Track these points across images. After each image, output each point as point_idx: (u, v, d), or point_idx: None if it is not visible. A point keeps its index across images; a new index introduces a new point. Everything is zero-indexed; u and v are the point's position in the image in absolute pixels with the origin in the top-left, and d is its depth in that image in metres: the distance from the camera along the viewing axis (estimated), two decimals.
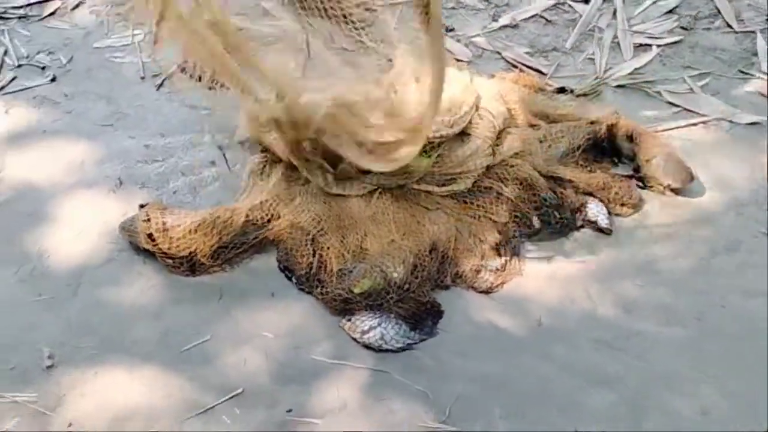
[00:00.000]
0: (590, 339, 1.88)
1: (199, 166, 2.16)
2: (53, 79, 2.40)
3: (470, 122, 2.14)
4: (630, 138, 2.11)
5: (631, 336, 1.89)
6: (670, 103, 2.32)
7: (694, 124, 2.26)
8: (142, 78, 2.41)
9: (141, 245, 1.95)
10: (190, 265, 1.95)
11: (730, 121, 2.28)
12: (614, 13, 2.51)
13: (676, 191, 2.12)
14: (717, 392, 1.76)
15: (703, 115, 2.28)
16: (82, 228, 2.04)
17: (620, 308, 1.94)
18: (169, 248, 1.94)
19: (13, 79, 2.39)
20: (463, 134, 2.13)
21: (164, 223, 1.94)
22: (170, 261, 1.95)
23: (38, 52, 2.49)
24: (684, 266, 2.01)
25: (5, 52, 2.44)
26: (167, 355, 1.84)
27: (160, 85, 2.37)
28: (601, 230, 2.06)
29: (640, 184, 2.14)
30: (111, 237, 2.01)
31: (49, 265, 1.97)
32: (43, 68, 2.44)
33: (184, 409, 1.75)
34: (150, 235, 1.94)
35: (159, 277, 1.97)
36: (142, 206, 2.01)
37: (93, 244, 2.02)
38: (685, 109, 2.31)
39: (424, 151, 2.08)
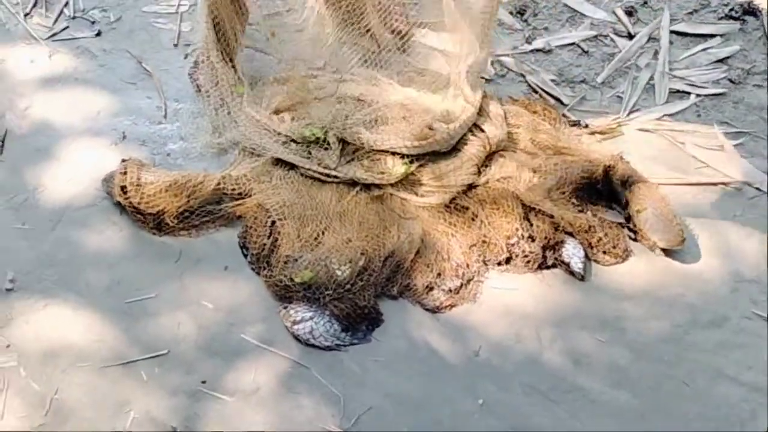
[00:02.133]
0: (525, 383, 1.77)
1: (198, 134, 2.23)
2: (98, 34, 2.54)
3: (462, 139, 2.09)
4: (625, 184, 1.96)
5: (571, 390, 1.76)
6: (694, 157, 2.14)
7: (713, 184, 2.07)
8: (175, 45, 2.50)
9: (114, 198, 2.05)
10: (156, 223, 2.01)
11: (757, 188, 2.06)
12: (657, 53, 2.35)
13: (665, 251, 1.95)
14: None
15: (727, 176, 2.08)
16: (77, 171, 2.16)
17: (568, 359, 1.81)
18: (139, 203, 2.01)
19: (65, 28, 2.55)
20: (452, 149, 2.08)
21: (138, 179, 2.01)
22: (139, 216, 2.02)
23: (93, 8, 2.64)
24: (655, 331, 1.85)
25: (66, 3, 2.61)
26: (111, 304, 1.91)
27: (188, 54, 2.46)
28: (572, 273, 1.92)
29: (631, 235, 1.99)
30: (99, 185, 2.10)
31: (39, 199, 2.10)
32: (93, 23, 2.59)
33: (109, 357, 1.82)
34: (123, 188, 2.02)
35: (129, 229, 2.05)
36: (124, 160, 2.11)
37: (82, 188, 2.12)
38: (709, 166, 2.12)
39: (404, 161, 2.05)
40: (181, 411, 1.74)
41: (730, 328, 1.84)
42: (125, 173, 2.02)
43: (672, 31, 2.41)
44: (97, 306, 1.91)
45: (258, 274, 1.96)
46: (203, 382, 1.78)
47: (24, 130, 2.28)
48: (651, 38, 2.40)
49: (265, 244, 1.95)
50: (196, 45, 2.43)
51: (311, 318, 1.85)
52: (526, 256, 1.94)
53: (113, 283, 1.95)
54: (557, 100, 2.27)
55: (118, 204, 2.06)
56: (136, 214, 2.02)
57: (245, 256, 2.00)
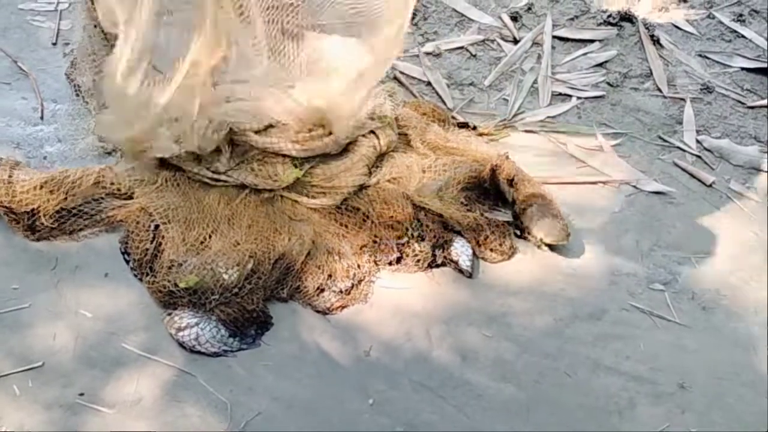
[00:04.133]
0: (414, 381, 1.78)
1: (77, 136, 2.14)
2: None
3: (353, 140, 2.09)
4: (510, 183, 2.02)
5: (458, 386, 1.78)
6: (574, 157, 2.23)
7: (594, 183, 2.16)
8: (54, 44, 2.41)
9: None
10: (30, 223, 1.90)
11: (634, 186, 2.17)
12: (540, 57, 2.43)
13: (551, 247, 2.01)
14: None
15: (606, 175, 2.17)
16: None
17: (457, 355, 1.84)
18: (11, 202, 1.89)
19: None
20: (343, 150, 2.08)
21: (10, 177, 1.91)
22: (12, 216, 1.90)
23: None
24: (538, 325, 1.90)
25: None
26: None
27: (68, 53, 2.36)
28: (461, 271, 1.96)
29: (517, 232, 2.05)
30: None
31: None
32: None
33: None
34: None
35: (0, 236, 1.94)
36: None
37: None
38: (589, 165, 2.21)
39: (294, 164, 2.04)
40: (57, 425, 1.64)
41: (609, 321, 1.91)
42: None
43: (554, 36, 2.50)
44: None
45: (141, 280, 1.88)
46: (81, 394, 1.69)
47: None
48: (535, 43, 2.49)
49: (147, 249, 1.88)
50: (75, 43, 2.34)
51: (197, 324, 1.79)
52: (416, 255, 1.95)
53: None
54: (443, 102, 2.31)
55: None
56: (8, 215, 1.90)
57: (127, 262, 1.92)
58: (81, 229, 1.94)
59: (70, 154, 2.10)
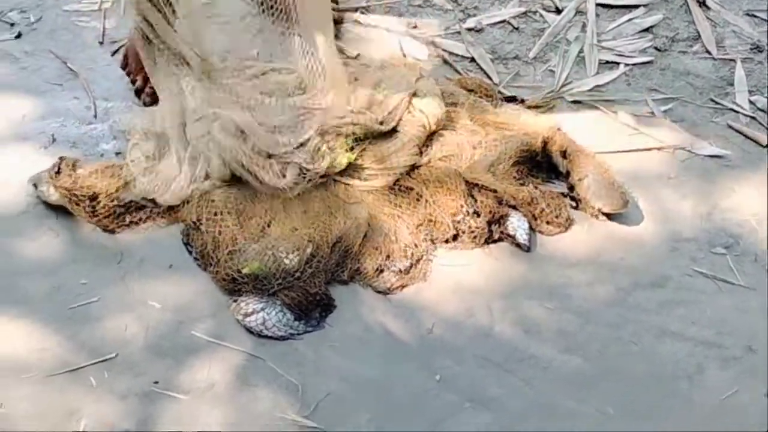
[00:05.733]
0: (479, 356, 1.80)
1: (131, 131, 2.16)
2: (18, 36, 2.45)
3: (401, 119, 2.09)
4: (564, 154, 2.00)
5: (523, 359, 1.79)
6: (626, 125, 2.20)
7: (648, 149, 2.13)
8: (101, 43, 2.43)
9: (44, 191, 1.96)
10: (92, 207, 1.94)
11: (689, 151, 2.14)
12: (585, 26, 2.39)
13: (607, 216, 1.99)
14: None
15: (660, 141, 2.14)
16: (6, 178, 2.07)
17: (520, 329, 1.84)
18: (73, 185, 1.95)
19: None
20: (392, 130, 2.07)
21: (73, 165, 1.98)
22: (74, 199, 1.93)
23: (11, 10, 2.54)
24: (600, 296, 1.89)
25: None
26: (53, 311, 1.84)
27: (115, 51, 2.39)
28: (518, 245, 1.95)
29: (573, 204, 2.03)
30: (30, 190, 2.02)
31: None
32: (12, 25, 2.49)
33: (54, 365, 1.75)
34: (58, 171, 1.97)
35: (66, 233, 1.98)
36: (61, 158, 2.04)
37: (13, 195, 2.04)
38: (642, 132, 2.18)
39: (346, 148, 2.03)
40: (134, 414, 1.69)
41: (672, 287, 1.89)
42: (62, 158, 1.98)
43: (598, 4, 2.45)
44: (38, 315, 1.83)
45: (204, 269, 1.91)
46: (155, 382, 1.73)
47: None
48: (578, 11, 2.45)
49: (208, 240, 1.91)
50: (122, 41, 2.38)
51: (263, 309, 1.82)
52: (472, 231, 1.95)
53: (53, 290, 1.88)
54: (489, 78, 2.29)
55: (54, 209, 1.98)
56: (70, 199, 1.94)
57: (190, 252, 1.95)
58: (142, 221, 1.98)
59: (126, 149, 2.12)
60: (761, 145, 2.14)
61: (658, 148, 2.15)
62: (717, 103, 2.25)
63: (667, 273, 1.93)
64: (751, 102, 2.23)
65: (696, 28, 2.39)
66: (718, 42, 2.35)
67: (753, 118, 2.21)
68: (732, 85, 2.27)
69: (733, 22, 2.41)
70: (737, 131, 2.17)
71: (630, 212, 2.01)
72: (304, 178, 2.00)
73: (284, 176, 2.00)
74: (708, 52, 2.33)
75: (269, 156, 2.02)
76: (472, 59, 2.34)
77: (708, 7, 2.43)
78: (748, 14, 2.44)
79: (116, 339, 1.81)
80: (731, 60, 2.32)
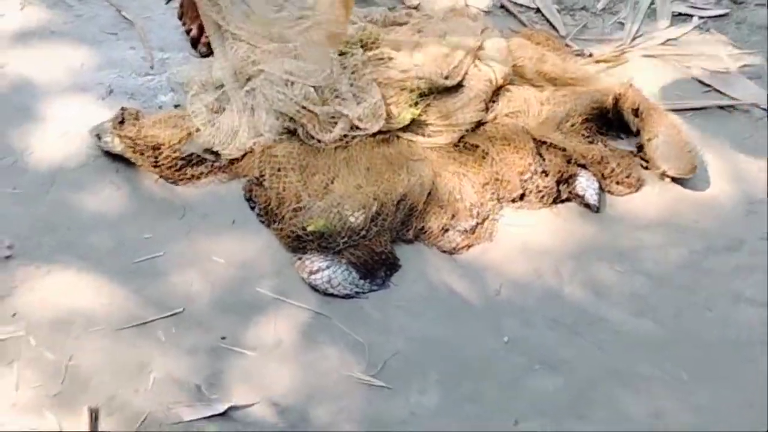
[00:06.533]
0: (548, 318, 1.77)
1: (189, 83, 2.13)
2: None
3: (466, 74, 2.02)
4: (636, 112, 1.93)
5: (594, 322, 1.76)
6: (700, 81, 2.12)
7: (721, 107, 2.05)
8: None
9: (107, 140, 1.94)
10: (155, 157, 1.92)
11: (764, 109, 2.05)
12: None
13: (674, 179, 1.93)
14: (675, 398, 1.62)
15: (734, 99, 2.06)
16: (66, 130, 2.05)
17: (590, 291, 1.81)
18: (137, 136, 1.93)
19: None
20: (457, 85, 2.01)
21: (137, 113, 1.96)
22: (138, 148, 1.92)
23: None
24: (673, 259, 1.85)
25: None
26: (118, 265, 1.84)
27: (170, 0, 2.34)
28: (587, 206, 1.90)
29: (643, 164, 1.97)
30: (91, 142, 2.00)
31: (29, 161, 2.00)
32: None
33: (122, 319, 1.76)
34: (122, 122, 1.95)
35: (127, 187, 1.97)
36: (123, 109, 2.02)
37: (73, 147, 2.02)
38: (715, 89, 2.10)
39: (410, 103, 1.98)
40: (202, 369, 1.69)
41: (747, 251, 1.85)
42: (123, 110, 1.96)
43: None
44: (103, 268, 1.83)
45: (268, 226, 1.90)
46: (223, 338, 1.73)
47: (2, 90, 2.14)
48: None
49: (272, 196, 1.89)
50: None
51: (328, 267, 1.80)
52: (540, 191, 1.91)
53: (117, 244, 1.87)
54: (556, 29, 2.21)
55: (115, 160, 1.97)
56: (133, 149, 1.92)
57: (252, 209, 1.93)
58: (204, 175, 1.96)
59: (184, 103, 2.09)
60: None
61: (733, 106, 2.08)
62: None
63: (742, 237, 1.88)
64: None
65: None
66: None
67: None
68: None
69: None
70: None
71: (701, 174, 1.95)
72: (354, 135, 1.98)
73: (331, 131, 1.99)
74: None
75: (323, 102, 1.99)
76: (537, 10, 2.26)
77: None
78: None
79: (182, 294, 1.80)
80: None
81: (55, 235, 1.90)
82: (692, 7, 2.27)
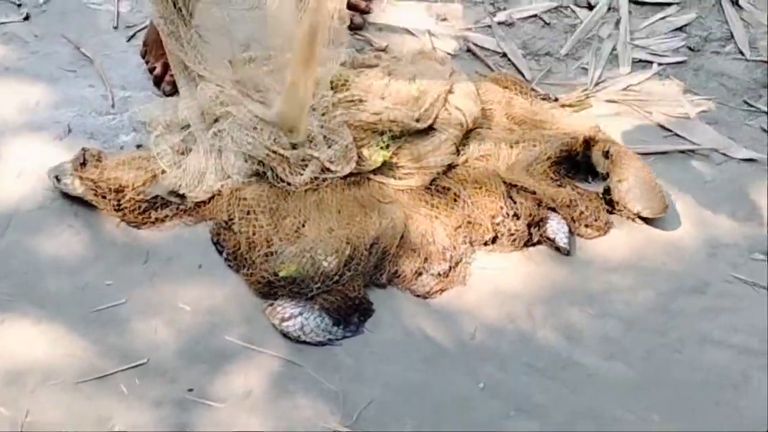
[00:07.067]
0: (523, 363, 1.76)
1: (153, 123, 2.07)
2: (26, 18, 2.32)
3: (437, 117, 2.02)
4: (606, 155, 1.96)
5: (567, 366, 1.76)
6: (661, 126, 2.18)
7: (683, 152, 2.10)
8: (115, 27, 2.32)
9: (68, 182, 1.87)
10: (117, 201, 1.86)
11: (724, 154, 2.11)
12: (617, 23, 2.36)
13: (646, 220, 1.97)
14: None
15: (695, 144, 2.12)
16: (22, 170, 1.96)
17: (562, 335, 1.81)
18: (99, 177, 1.86)
19: None
20: (428, 128, 2.01)
21: (99, 154, 1.89)
22: (100, 191, 1.85)
23: None
24: (642, 301, 1.87)
25: None
26: (77, 313, 1.76)
27: (131, 37, 2.28)
28: (558, 249, 1.91)
29: (611, 206, 2.00)
30: (48, 183, 1.92)
31: None
32: (19, 5, 2.36)
33: (82, 371, 1.67)
34: (83, 163, 1.88)
35: (88, 231, 1.89)
36: (84, 149, 1.95)
37: (30, 189, 1.94)
38: (676, 134, 2.16)
39: (381, 146, 1.97)
40: (168, 423, 1.62)
41: (714, 293, 1.87)
42: (85, 150, 1.90)
43: (630, 0, 2.41)
44: (62, 317, 1.75)
45: (237, 272, 1.84)
46: (190, 389, 1.66)
47: None
48: (610, 8, 2.40)
49: (241, 240, 1.83)
50: (139, 25, 2.27)
51: (300, 313, 1.75)
52: (512, 234, 1.91)
53: (77, 291, 1.80)
54: (521, 74, 2.24)
55: (73, 203, 1.89)
56: (95, 192, 1.86)
57: (220, 253, 1.88)
58: (169, 219, 1.89)
59: (147, 143, 2.03)
60: None
61: (693, 151, 2.13)
62: (751, 105, 2.22)
63: (707, 279, 1.91)
64: None
65: (729, 28, 2.36)
66: (750, 43, 2.33)
67: None
68: (765, 87, 2.25)
69: (765, 22, 2.38)
70: None
71: (668, 216, 1.98)
72: (324, 178, 1.95)
73: (301, 174, 1.96)
74: (741, 53, 2.31)
75: (293, 147, 1.96)
76: (503, 54, 2.29)
77: (741, 7, 2.40)
78: None
79: (146, 343, 1.73)
80: (764, 62, 2.31)
81: (10, 282, 1.80)
82: (652, 53, 2.33)
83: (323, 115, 2.01)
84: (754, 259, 1.93)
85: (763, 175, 2.08)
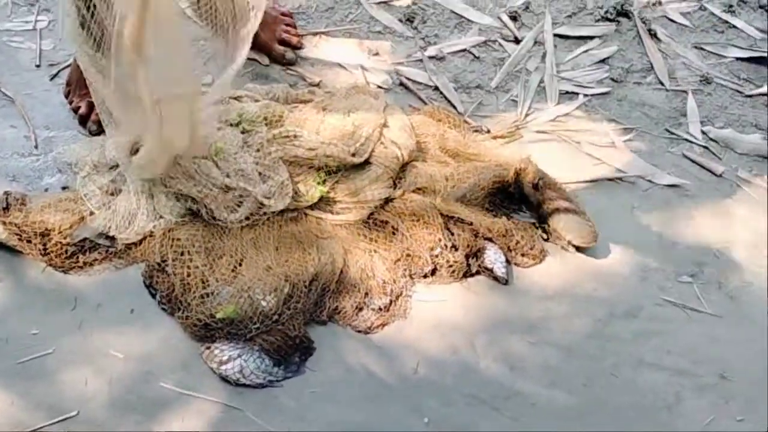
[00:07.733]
0: (466, 395, 1.76)
1: (80, 164, 2.01)
2: None
3: (373, 151, 2.03)
4: (536, 187, 2.01)
5: (510, 396, 1.77)
6: (589, 155, 2.24)
7: (610, 179, 2.16)
8: (37, 66, 2.24)
9: None
10: (43, 245, 1.79)
11: (649, 181, 2.19)
12: (543, 56, 2.42)
13: (578, 248, 2.01)
14: None
15: (622, 171, 2.19)
16: None
17: (504, 365, 1.82)
18: (23, 222, 1.79)
19: None
20: (364, 162, 2.01)
21: (24, 197, 1.82)
22: (25, 236, 1.78)
23: None
24: (578, 328, 1.90)
25: None
26: (2, 366, 1.68)
27: (55, 75, 2.21)
28: (496, 279, 1.93)
29: (544, 235, 2.04)
30: None
31: None
32: None
33: (9, 427, 1.58)
34: (6, 208, 1.80)
35: (10, 278, 1.81)
36: (7, 193, 1.87)
37: None
38: (604, 162, 2.23)
39: (317, 181, 1.96)
40: None
41: (645, 317, 1.92)
42: (8, 194, 1.82)
43: (555, 35, 2.49)
44: None
45: (171, 315, 1.79)
46: None
47: None
48: (536, 42, 2.47)
49: (176, 282, 1.78)
50: (62, 63, 2.20)
51: (239, 356, 1.71)
52: (450, 266, 1.91)
53: (0, 342, 1.70)
54: (453, 106, 2.27)
55: None
56: (19, 236, 1.78)
57: (153, 296, 1.82)
58: (98, 262, 1.83)
59: (74, 185, 1.96)
60: (715, 174, 2.22)
61: (620, 179, 2.20)
62: (672, 133, 2.31)
63: (638, 303, 1.95)
64: (703, 132, 2.31)
65: (649, 60, 2.46)
66: (670, 73, 2.43)
67: (706, 147, 2.28)
68: (685, 115, 2.35)
69: (682, 54, 2.49)
70: (692, 161, 2.24)
71: (599, 243, 2.03)
72: (261, 214, 1.92)
73: (237, 210, 1.93)
74: (661, 83, 2.40)
75: (227, 188, 1.93)
76: (435, 88, 2.31)
77: (659, 39, 2.51)
78: (695, 47, 2.53)
79: (76, 395, 1.65)
80: (683, 91, 2.40)
81: None
82: (577, 85, 2.39)
83: (258, 151, 1.99)
84: (681, 282, 2.00)
85: (686, 200, 2.18)
